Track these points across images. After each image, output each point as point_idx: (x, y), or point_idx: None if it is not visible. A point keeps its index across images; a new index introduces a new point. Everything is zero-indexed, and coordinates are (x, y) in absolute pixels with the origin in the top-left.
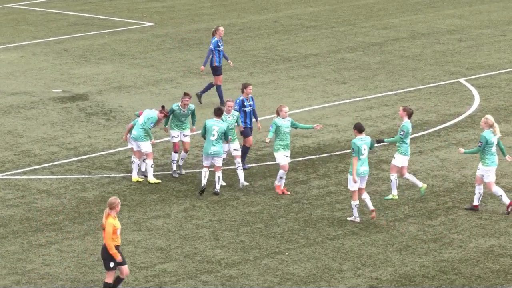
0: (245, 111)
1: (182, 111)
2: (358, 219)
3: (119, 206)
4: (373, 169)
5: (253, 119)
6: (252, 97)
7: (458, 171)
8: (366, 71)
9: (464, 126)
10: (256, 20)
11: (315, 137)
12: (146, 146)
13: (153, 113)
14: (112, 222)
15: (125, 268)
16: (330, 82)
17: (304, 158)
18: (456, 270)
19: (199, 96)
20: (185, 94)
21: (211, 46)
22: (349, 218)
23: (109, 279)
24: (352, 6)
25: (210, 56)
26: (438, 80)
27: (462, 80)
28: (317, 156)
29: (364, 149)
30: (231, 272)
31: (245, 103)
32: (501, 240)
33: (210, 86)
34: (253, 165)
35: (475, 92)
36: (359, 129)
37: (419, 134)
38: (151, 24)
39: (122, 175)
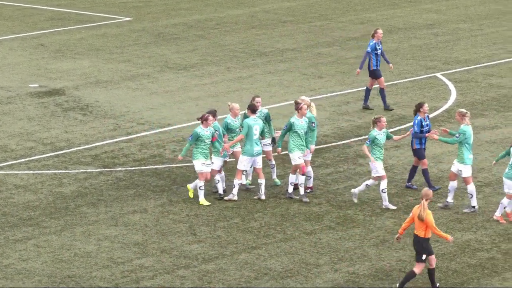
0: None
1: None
2: (235, 198)
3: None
4: (350, 163)
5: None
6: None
7: (435, 165)
8: (343, 65)
9: (440, 120)
10: (233, 15)
11: None
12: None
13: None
14: (429, 212)
15: (433, 258)
16: (307, 76)
17: (281, 153)
18: None
19: (366, 107)
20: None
21: (368, 49)
22: (225, 198)
23: (418, 270)
24: (329, 0)
25: (367, 60)
26: (414, 75)
27: (438, 75)
28: None
29: (256, 130)
30: (208, 267)
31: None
32: (477, 235)
33: (368, 91)
34: (230, 160)
35: (451, 86)
36: (252, 109)
37: (396, 128)
38: (128, 18)
39: (98, 170)
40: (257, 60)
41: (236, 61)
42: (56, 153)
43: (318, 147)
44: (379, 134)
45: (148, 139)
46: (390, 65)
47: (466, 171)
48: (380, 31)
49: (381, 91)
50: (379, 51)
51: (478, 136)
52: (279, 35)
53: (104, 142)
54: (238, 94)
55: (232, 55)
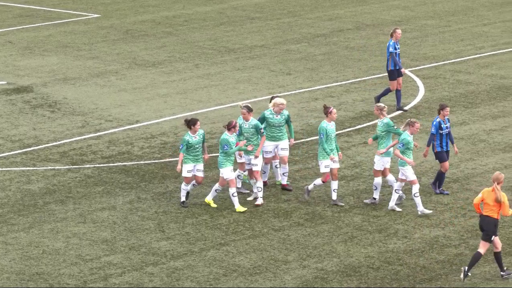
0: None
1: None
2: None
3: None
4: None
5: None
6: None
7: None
8: (312, 62)
9: (408, 117)
10: (201, 12)
11: None
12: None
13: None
14: (504, 194)
15: (498, 240)
16: (276, 73)
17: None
18: (401, 260)
19: (400, 109)
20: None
21: (391, 49)
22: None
23: (484, 249)
24: None
25: (390, 59)
26: (383, 71)
27: (407, 71)
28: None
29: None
30: (176, 264)
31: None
32: (445, 231)
33: (398, 92)
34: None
35: (419, 83)
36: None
37: (365, 125)
38: (96, 15)
39: (67, 167)
40: (226, 57)
41: (204, 57)
42: (24, 150)
43: None
44: (411, 138)
45: (116, 136)
46: (403, 69)
47: (378, 164)
48: (399, 30)
49: (387, 90)
50: (397, 51)
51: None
52: (248, 32)
53: (73, 139)
54: (206, 91)
55: (200, 52)
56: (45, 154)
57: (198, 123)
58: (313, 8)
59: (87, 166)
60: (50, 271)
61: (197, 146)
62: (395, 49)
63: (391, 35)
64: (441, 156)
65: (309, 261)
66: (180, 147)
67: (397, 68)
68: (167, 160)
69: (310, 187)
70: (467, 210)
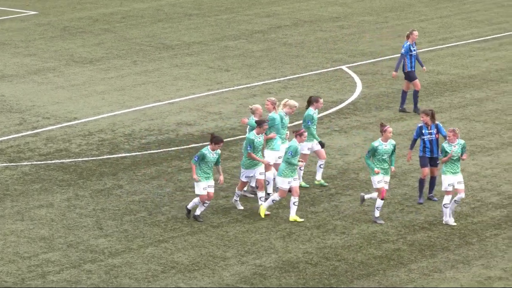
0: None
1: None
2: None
3: None
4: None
5: None
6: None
7: (341, 158)
8: (250, 58)
9: (346, 113)
10: (138, 8)
11: (199, 125)
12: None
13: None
14: None
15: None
16: (214, 70)
17: (188, 146)
18: (339, 256)
19: (403, 110)
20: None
21: (403, 51)
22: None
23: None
24: None
25: (402, 62)
26: (320, 68)
27: (344, 67)
28: (201, 144)
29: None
30: (114, 261)
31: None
32: (383, 226)
33: (404, 94)
34: (137, 153)
35: (357, 79)
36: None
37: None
38: (33, 12)
39: (4, 164)
40: (164, 54)
41: (142, 54)
42: None
43: (225, 140)
44: (452, 146)
45: (54, 133)
46: (424, 68)
47: (270, 157)
48: (416, 32)
49: (415, 93)
50: (414, 53)
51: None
52: (186, 29)
53: (10, 137)
54: (144, 87)
55: (138, 49)
56: None
57: (222, 144)
58: (251, 5)
59: (25, 163)
60: None
61: (211, 163)
62: (411, 50)
63: (407, 37)
64: (421, 161)
65: (247, 257)
66: (195, 159)
67: (413, 69)
68: (105, 157)
69: (366, 196)
70: (404, 206)
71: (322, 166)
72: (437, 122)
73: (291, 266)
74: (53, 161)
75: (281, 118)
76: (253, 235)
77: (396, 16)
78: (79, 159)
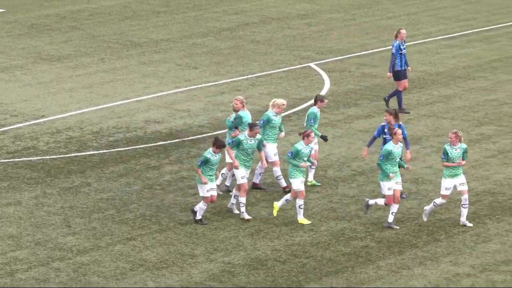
0: None
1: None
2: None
3: None
4: (225, 154)
5: None
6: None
7: None
8: (218, 56)
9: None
10: (106, 6)
11: (167, 123)
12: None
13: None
14: None
15: None
16: (182, 67)
17: (156, 144)
18: (307, 253)
19: (401, 111)
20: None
21: (393, 50)
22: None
23: None
24: None
25: (395, 60)
26: (289, 65)
27: (312, 65)
28: (169, 141)
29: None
30: (83, 259)
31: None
32: (351, 223)
33: (399, 94)
34: (105, 151)
35: (325, 76)
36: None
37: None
38: (0, 10)
39: None
40: (132, 51)
41: (110, 52)
42: None
43: (193, 137)
44: (453, 149)
45: (21, 131)
46: (409, 68)
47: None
48: (403, 31)
49: (398, 93)
50: (403, 51)
51: (352, 125)
52: (154, 26)
53: None
54: (112, 85)
55: (106, 46)
56: None
57: (224, 149)
58: (218, 2)
59: None
60: None
61: (215, 165)
62: (401, 49)
63: (396, 36)
64: None
65: (216, 255)
66: (198, 163)
67: (403, 68)
68: (73, 155)
69: (371, 202)
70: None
71: (313, 167)
72: (400, 122)
73: (260, 264)
74: (20, 159)
75: (270, 119)
76: (222, 233)
77: (364, 13)
78: (47, 157)
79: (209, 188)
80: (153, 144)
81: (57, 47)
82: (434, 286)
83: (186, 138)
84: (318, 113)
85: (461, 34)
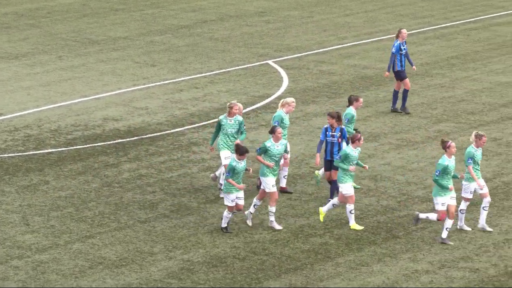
0: None
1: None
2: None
3: None
4: (184, 151)
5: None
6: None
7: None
8: (176, 53)
9: (273, 107)
10: (64, 3)
11: (125, 120)
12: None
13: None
14: None
15: None
16: (140, 65)
17: (114, 142)
18: (266, 250)
19: (404, 110)
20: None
21: (393, 50)
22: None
23: None
24: None
25: (394, 61)
26: (247, 62)
27: (270, 62)
28: (127, 139)
29: None
30: (42, 257)
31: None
32: (310, 220)
33: (395, 94)
34: (63, 149)
35: (283, 73)
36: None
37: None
38: None
39: None
40: (89, 49)
41: (68, 49)
42: None
43: (152, 135)
44: (477, 150)
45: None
46: (414, 67)
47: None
48: (404, 31)
49: (405, 92)
50: (404, 52)
51: (310, 122)
52: (111, 24)
53: None
54: (70, 83)
55: (64, 44)
56: None
57: (247, 155)
58: (176, 0)
59: None
60: None
61: (241, 173)
62: (401, 49)
63: (397, 36)
64: (324, 165)
65: (175, 253)
66: (227, 174)
67: (403, 69)
68: (31, 153)
69: (422, 216)
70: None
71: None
72: (342, 126)
73: (219, 261)
74: None
75: (282, 119)
76: (181, 230)
77: (322, 10)
78: (5, 155)
79: (234, 198)
80: (111, 142)
81: (14, 45)
82: (393, 282)
83: (145, 136)
84: (355, 114)
85: (418, 31)
